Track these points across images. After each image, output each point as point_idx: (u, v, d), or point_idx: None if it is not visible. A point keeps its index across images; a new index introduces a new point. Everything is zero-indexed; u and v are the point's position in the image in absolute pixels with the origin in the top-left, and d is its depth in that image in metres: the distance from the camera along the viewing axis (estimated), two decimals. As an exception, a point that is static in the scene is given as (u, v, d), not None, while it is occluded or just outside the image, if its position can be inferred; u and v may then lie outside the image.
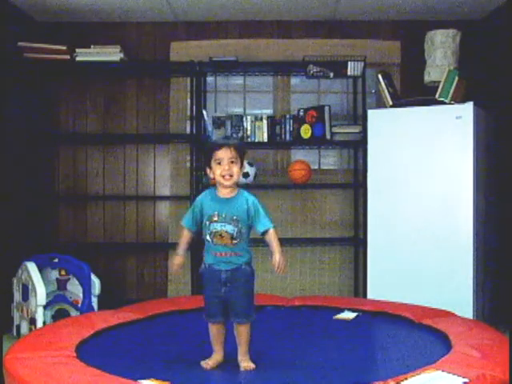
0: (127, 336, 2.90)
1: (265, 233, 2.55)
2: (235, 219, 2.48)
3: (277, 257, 2.58)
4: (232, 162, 2.48)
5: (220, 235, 2.46)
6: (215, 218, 2.47)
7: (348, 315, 3.25)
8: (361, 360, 2.56)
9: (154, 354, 2.60)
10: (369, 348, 2.83)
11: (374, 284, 4.27)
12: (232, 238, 2.47)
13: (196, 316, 2.91)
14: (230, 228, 2.47)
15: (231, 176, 2.47)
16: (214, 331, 2.53)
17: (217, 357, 2.51)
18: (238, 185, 2.55)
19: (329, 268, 4.95)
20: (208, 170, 2.55)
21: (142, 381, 2.13)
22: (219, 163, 2.48)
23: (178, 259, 2.54)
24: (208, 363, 2.48)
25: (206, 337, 2.61)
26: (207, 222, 2.48)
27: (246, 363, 2.46)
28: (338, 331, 2.99)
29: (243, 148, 2.57)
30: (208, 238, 2.48)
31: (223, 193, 2.52)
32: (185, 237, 2.56)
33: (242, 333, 2.50)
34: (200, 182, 4.62)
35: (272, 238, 2.57)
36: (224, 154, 2.47)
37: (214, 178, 2.53)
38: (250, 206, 2.51)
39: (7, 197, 4.17)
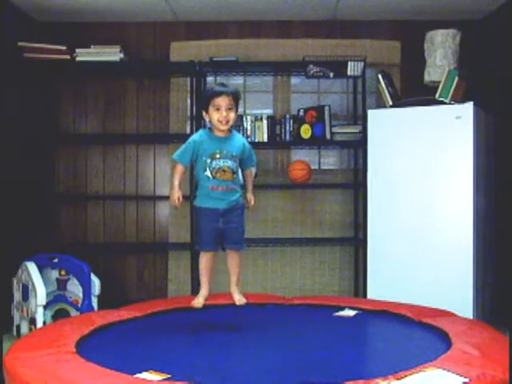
0: (126, 331, 2.90)
1: (247, 169, 2.92)
2: (234, 155, 2.77)
3: (251, 194, 2.96)
4: (229, 109, 2.72)
5: (223, 170, 2.72)
6: (218, 156, 2.72)
7: (348, 313, 3.25)
8: (361, 357, 2.56)
9: (152, 348, 2.60)
10: (368, 345, 2.83)
11: (373, 284, 4.27)
12: (233, 172, 2.75)
13: (195, 313, 2.92)
14: (231, 163, 2.74)
15: (228, 122, 2.72)
16: (205, 261, 2.79)
17: (204, 292, 2.79)
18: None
19: (329, 268, 4.95)
20: (204, 114, 2.79)
21: (142, 373, 2.14)
22: (217, 109, 2.71)
23: (178, 193, 2.77)
24: (199, 302, 2.76)
25: (204, 332, 2.77)
26: (208, 160, 2.72)
27: (238, 296, 2.77)
28: (338, 328, 2.99)
29: (240, 95, 2.85)
30: (209, 174, 2.72)
31: (220, 133, 2.77)
32: (180, 171, 2.80)
33: (237, 259, 2.80)
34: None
35: (250, 175, 2.94)
36: (223, 102, 2.71)
37: (209, 121, 2.78)
38: (246, 147, 2.85)
39: (7, 197, 4.17)
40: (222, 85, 2.85)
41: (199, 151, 2.74)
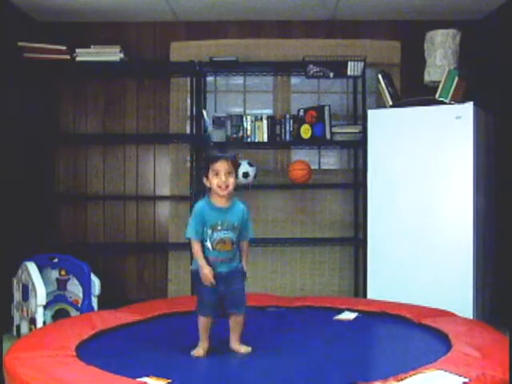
0: (127, 336, 2.90)
1: (243, 241, 2.82)
2: (235, 226, 2.73)
3: (245, 265, 2.84)
4: (229, 173, 2.70)
5: (223, 242, 2.69)
6: (219, 227, 2.69)
7: (348, 316, 3.25)
8: (361, 359, 2.56)
9: (153, 353, 2.60)
10: (369, 347, 2.83)
11: (373, 284, 4.27)
12: (232, 243, 2.71)
13: (195, 318, 2.91)
14: (231, 235, 2.71)
15: (227, 187, 2.69)
16: (206, 324, 2.72)
17: (205, 345, 2.70)
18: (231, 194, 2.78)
19: (329, 268, 4.95)
20: (205, 179, 2.77)
21: (142, 378, 2.13)
22: (216, 174, 2.70)
23: (210, 270, 2.68)
24: (199, 351, 2.67)
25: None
26: (209, 231, 2.70)
27: (244, 348, 2.70)
28: (339, 331, 2.99)
29: (238, 161, 2.83)
30: (209, 245, 2.69)
31: (221, 202, 2.74)
32: (199, 246, 2.72)
33: (240, 322, 2.74)
34: (200, 181, 4.62)
35: (247, 247, 2.85)
36: (221, 167, 2.69)
37: (210, 187, 2.75)
38: (245, 216, 2.78)
39: (7, 197, 4.17)
40: (221, 151, 2.91)
41: (203, 222, 2.72)
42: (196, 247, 2.72)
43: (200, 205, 2.78)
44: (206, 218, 2.71)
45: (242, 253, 2.82)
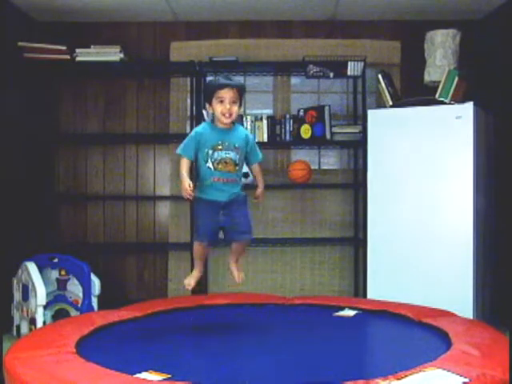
0: (126, 331, 2.90)
1: (253, 164, 2.87)
2: (237, 147, 2.73)
3: (261, 190, 2.91)
4: (233, 102, 2.69)
5: (225, 162, 2.70)
6: (219, 147, 2.70)
7: (348, 313, 3.26)
8: (361, 357, 2.56)
9: (153, 347, 2.60)
10: (368, 345, 2.83)
11: (373, 284, 4.27)
12: (235, 164, 2.72)
13: (195, 313, 2.91)
14: (233, 155, 2.71)
15: (231, 115, 2.70)
16: (199, 250, 2.80)
17: (196, 274, 2.81)
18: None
19: (329, 268, 4.95)
20: (207, 106, 2.77)
21: (142, 373, 2.13)
22: (221, 101, 2.69)
23: (189, 181, 2.72)
24: (190, 283, 2.80)
25: (204, 332, 2.75)
26: (210, 151, 2.71)
27: (240, 276, 2.84)
28: (338, 328, 2.99)
29: (244, 89, 2.81)
30: (211, 165, 2.70)
31: (222, 125, 2.74)
32: (186, 164, 2.76)
33: (243, 248, 2.84)
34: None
35: (259, 170, 2.91)
36: (227, 94, 2.68)
37: (212, 113, 2.76)
38: (250, 141, 2.80)
39: (7, 197, 4.17)
40: (227, 77, 2.80)
41: (201, 143, 2.72)
42: (183, 162, 2.75)
43: (199, 127, 2.82)
44: (207, 138, 2.71)
45: (256, 174, 2.86)
